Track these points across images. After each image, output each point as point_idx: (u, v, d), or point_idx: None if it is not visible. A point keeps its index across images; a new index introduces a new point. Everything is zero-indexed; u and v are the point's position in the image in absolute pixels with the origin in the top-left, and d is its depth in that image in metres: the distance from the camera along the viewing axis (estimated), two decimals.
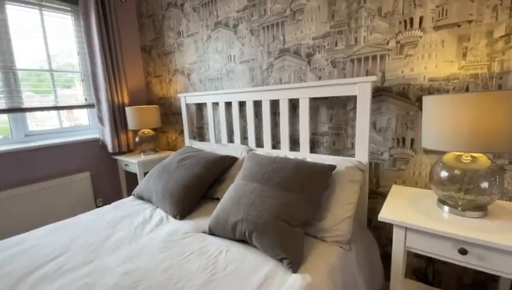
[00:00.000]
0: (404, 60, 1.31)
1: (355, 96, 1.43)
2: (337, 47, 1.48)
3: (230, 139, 2.09)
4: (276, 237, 1.03)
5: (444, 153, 1.15)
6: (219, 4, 1.97)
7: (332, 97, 1.54)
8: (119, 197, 2.54)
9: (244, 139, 2.00)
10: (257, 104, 1.86)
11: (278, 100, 1.70)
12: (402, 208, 1.13)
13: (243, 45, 1.89)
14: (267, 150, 1.76)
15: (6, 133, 2.05)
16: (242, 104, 1.96)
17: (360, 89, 1.32)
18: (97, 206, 2.37)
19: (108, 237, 1.26)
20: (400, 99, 1.35)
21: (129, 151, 2.54)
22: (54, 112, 2.30)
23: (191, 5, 2.15)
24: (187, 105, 2.27)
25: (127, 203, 1.68)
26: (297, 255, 1.02)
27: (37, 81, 2.17)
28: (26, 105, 2.06)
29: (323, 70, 1.55)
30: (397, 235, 1.08)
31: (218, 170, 1.66)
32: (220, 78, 2.10)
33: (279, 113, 1.74)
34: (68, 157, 2.21)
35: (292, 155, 1.57)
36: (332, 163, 1.30)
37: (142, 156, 2.36)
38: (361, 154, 1.37)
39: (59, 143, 2.13)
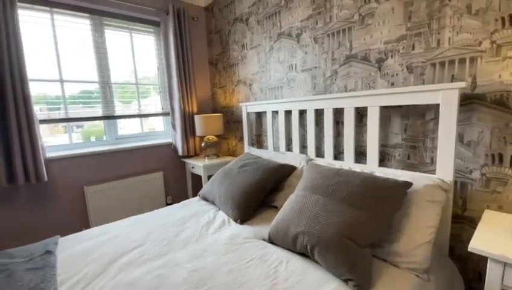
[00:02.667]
0: (503, 62, 1.10)
1: (437, 105, 1.26)
2: (415, 50, 1.34)
3: (288, 148, 2.08)
4: (342, 255, 0.97)
5: None
6: (283, 15, 2.01)
7: (408, 106, 1.39)
8: (185, 196, 2.78)
9: (303, 148, 1.97)
10: (318, 113, 1.82)
11: (342, 109, 1.62)
12: (499, 238, 0.94)
13: (306, 53, 1.88)
14: (328, 160, 1.69)
15: (99, 135, 2.47)
16: (302, 113, 1.94)
17: (445, 96, 1.16)
18: (167, 203, 2.64)
19: (179, 234, 1.38)
20: (497, 108, 1.13)
21: (195, 155, 2.77)
22: (134, 119, 2.67)
23: (256, 19, 2.25)
24: (248, 113, 2.36)
25: (194, 203, 1.82)
26: (365, 278, 0.93)
27: (123, 93, 2.56)
28: (117, 113, 2.45)
29: (397, 76, 1.42)
30: (492, 271, 0.89)
31: (277, 178, 1.66)
32: (280, 87, 2.13)
33: (342, 122, 1.67)
34: (147, 158, 2.53)
35: (357, 168, 1.47)
36: (407, 179, 1.17)
37: (206, 160, 2.55)
38: (444, 171, 1.19)
39: (140, 146, 2.47)
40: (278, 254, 1.15)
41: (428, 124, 1.34)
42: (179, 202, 2.67)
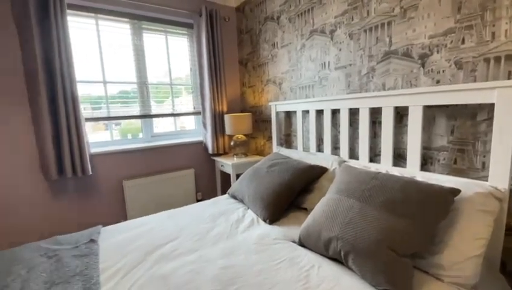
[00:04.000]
0: None
1: (492, 105, 1.13)
2: (465, 45, 1.22)
3: (319, 149, 2.02)
4: (380, 264, 0.92)
5: None
6: (316, 12, 1.96)
7: (455, 105, 1.28)
8: (214, 193, 2.85)
9: (334, 149, 1.90)
10: (352, 112, 1.74)
11: (380, 108, 1.53)
12: None
13: (340, 50, 1.81)
14: (363, 163, 1.61)
15: (135, 132, 2.61)
16: (334, 112, 1.87)
17: (501, 95, 1.04)
18: (197, 199, 2.73)
19: (209, 230, 1.41)
20: None
21: (224, 153, 2.81)
22: (165, 117, 2.78)
23: (287, 17, 2.22)
24: (277, 113, 2.34)
25: (223, 201, 1.85)
26: None
27: (156, 92, 2.68)
28: (152, 112, 2.57)
29: (443, 73, 1.30)
30: None
31: (307, 179, 1.63)
32: (311, 86, 2.07)
33: (379, 122, 1.58)
34: (179, 156, 2.63)
35: (396, 171, 1.38)
36: (454, 185, 1.06)
37: (235, 158, 2.58)
38: (499, 177, 1.07)
39: (174, 144, 2.57)
40: (309, 257, 1.12)
41: (479, 126, 1.21)
42: (208, 198, 2.74)
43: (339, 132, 1.82)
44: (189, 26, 2.66)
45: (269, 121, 2.60)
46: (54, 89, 1.87)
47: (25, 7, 1.76)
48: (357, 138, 1.73)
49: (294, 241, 1.27)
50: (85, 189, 2.17)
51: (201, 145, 2.76)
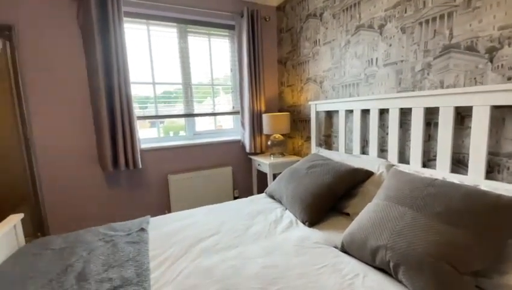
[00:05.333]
0: None
1: None
2: None
3: (363, 151, 1.92)
4: (436, 280, 0.83)
5: None
6: (363, 6, 1.85)
7: None
8: (250, 191, 2.89)
9: (381, 152, 1.78)
10: (403, 113, 1.61)
11: (436, 108, 1.39)
12: None
13: (390, 45, 1.69)
14: (414, 168, 1.48)
15: (176, 130, 2.76)
16: (382, 112, 1.75)
17: None
18: (234, 196, 2.79)
19: (248, 228, 1.43)
20: None
21: (261, 152, 2.83)
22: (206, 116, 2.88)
23: (331, 12, 2.14)
24: (317, 112, 2.27)
25: (261, 200, 1.86)
26: None
27: (196, 92, 2.78)
28: (196, 111, 2.70)
29: None
30: None
31: (350, 183, 1.55)
32: (356, 84, 1.97)
33: (435, 123, 1.43)
34: (218, 154, 2.72)
35: (455, 179, 1.24)
36: None
37: (272, 158, 2.57)
38: None
39: (214, 142, 2.67)
40: (353, 265, 1.07)
41: None
42: (244, 195, 2.79)
43: (387, 134, 1.70)
44: (230, 27, 2.72)
45: (308, 120, 2.54)
46: (112, 90, 2.07)
47: (88, 16, 1.98)
48: (408, 141, 1.60)
49: (336, 247, 1.22)
50: (135, 181, 2.37)
51: (239, 144, 2.82)
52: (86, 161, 2.18)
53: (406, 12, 1.57)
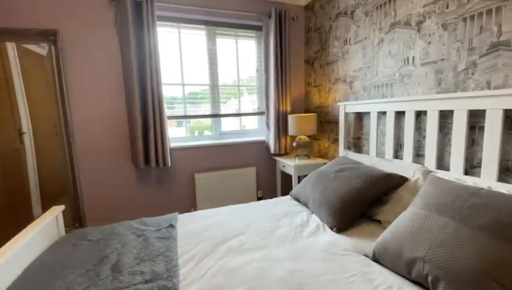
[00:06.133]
0: None
1: None
2: None
3: (396, 155, 1.81)
4: None
5: None
6: (399, 2, 1.75)
7: None
8: (273, 192, 2.87)
9: (416, 156, 1.67)
10: (442, 115, 1.50)
11: (483, 111, 1.27)
12: None
13: (429, 43, 1.58)
14: (455, 175, 1.37)
15: (201, 129, 2.81)
16: (419, 114, 1.64)
17: None
18: (257, 197, 2.79)
19: (274, 230, 1.42)
20: None
21: (286, 154, 2.80)
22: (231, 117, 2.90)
23: (363, 10, 2.06)
24: (346, 114, 2.20)
25: (285, 202, 1.83)
26: None
27: (222, 93, 2.81)
28: (222, 112, 2.74)
29: None
30: None
31: (382, 189, 1.47)
32: (390, 84, 1.87)
33: (479, 127, 1.32)
34: (243, 154, 2.74)
35: (503, 188, 1.12)
36: None
37: (297, 160, 2.53)
38: None
39: (239, 142, 2.70)
40: (386, 276, 1.01)
41: None
42: (268, 196, 2.78)
43: (424, 137, 1.59)
44: (257, 28, 2.72)
45: (336, 122, 2.46)
46: (145, 91, 2.17)
47: (124, 20, 2.09)
48: (448, 145, 1.48)
49: (366, 255, 1.16)
50: (164, 178, 2.46)
51: (263, 144, 2.81)
52: (120, 157, 2.30)
53: (447, 7, 1.46)
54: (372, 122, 1.92)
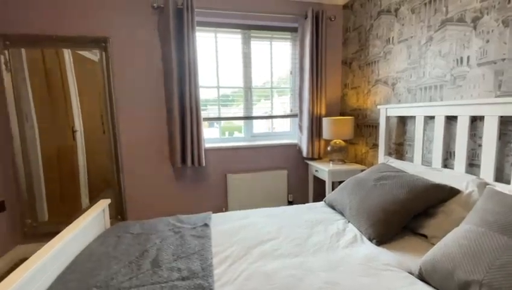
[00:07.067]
0: None
1: None
2: None
3: (446, 164, 1.66)
4: None
5: None
6: None
7: None
8: (305, 197, 2.81)
9: (469, 166, 1.51)
10: (503, 121, 1.33)
11: None
12: None
13: (487, 42, 1.42)
14: None
15: (231, 130, 2.86)
16: (474, 120, 1.48)
17: None
18: (288, 201, 2.75)
19: (308, 237, 1.37)
20: None
21: (319, 158, 2.72)
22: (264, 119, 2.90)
23: (409, 7, 1.92)
24: (387, 117, 2.06)
25: (319, 209, 1.78)
26: None
27: (258, 96, 2.82)
28: (254, 114, 2.75)
29: None
30: None
31: (429, 201, 1.35)
32: (439, 86, 1.72)
33: None
34: (274, 156, 2.72)
35: None
36: None
37: (331, 164, 2.44)
38: None
39: (271, 144, 2.70)
40: None
41: None
42: (299, 201, 2.73)
43: (480, 145, 1.43)
44: (293, 30, 2.69)
45: (375, 126, 2.33)
46: (183, 93, 2.27)
47: (166, 26, 2.20)
48: (509, 155, 1.32)
49: (410, 273, 1.07)
50: (198, 178, 2.54)
51: (295, 147, 2.76)
52: (159, 156, 2.43)
53: (509, 2, 1.30)
54: (418, 127, 1.78)
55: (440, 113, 1.61)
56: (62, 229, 1.28)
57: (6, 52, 2.07)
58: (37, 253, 1.04)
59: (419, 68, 1.86)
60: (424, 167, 1.69)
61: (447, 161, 1.65)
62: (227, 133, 2.89)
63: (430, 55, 1.78)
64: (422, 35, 1.83)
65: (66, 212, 2.35)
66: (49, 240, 1.15)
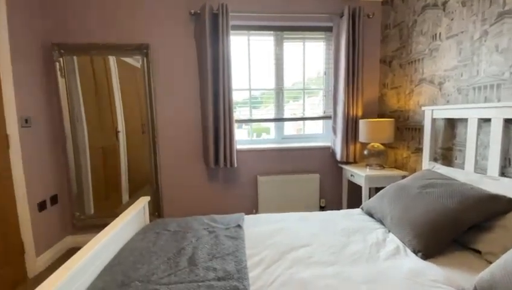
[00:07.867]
0: None
1: None
2: None
3: (503, 172, 1.48)
4: None
5: None
6: None
7: None
8: (338, 203, 2.70)
9: None
10: None
11: None
12: None
13: None
14: None
15: (260, 132, 2.86)
16: None
17: None
18: (320, 206, 2.68)
19: (345, 246, 1.31)
20: None
21: (354, 162, 2.60)
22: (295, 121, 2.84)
23: (460, 0, 1.75)
24: (433, 120, 1.90)
25: (356, 216, 1.69)
26: None
27: (287, 97, 2.77)
28: (285, 116, 2.73)
29: None
30: None
31: (484, 213, 1.22)
32: (496, 85, 1.54)
33: None
34: (306, 159, 2.66)
35: None
36: None
37: (368, 169, 2.32)
38: None
39: (302, 147, 2.65)
40: None
41: None
42: (332, 206, 2.64)
43: None
44: (327, 29, 2.61)
45: (418, 129, 2.16)
46: (217, 96, 2.33)
47: (203, 31, 2.27)
48: None
49: None
50: (230, 178, 2.59)
51: (328, 150, 2.68)
52: (194, 156, 2.52)
53: None
54: (471, 131, 1.61)
55: (497, 116, 1.44)
56: (106, 222, 1.38)
57: (61, 59, 2.30)
58: (88, 243, 1.14)
59: (472, 66, 1.69)
60: (477, 174, 1.53)
61: (505, 169, 1.47)
62: (254, 134, 2.90)
63: (485, 51, 1.60)
64: (475, 29, 1.66)
65: (109, 206, 2.53)
66: (94, 232, 1.24)
